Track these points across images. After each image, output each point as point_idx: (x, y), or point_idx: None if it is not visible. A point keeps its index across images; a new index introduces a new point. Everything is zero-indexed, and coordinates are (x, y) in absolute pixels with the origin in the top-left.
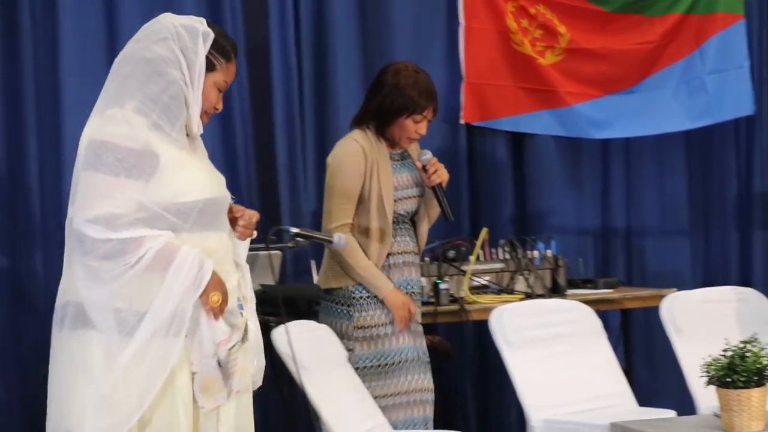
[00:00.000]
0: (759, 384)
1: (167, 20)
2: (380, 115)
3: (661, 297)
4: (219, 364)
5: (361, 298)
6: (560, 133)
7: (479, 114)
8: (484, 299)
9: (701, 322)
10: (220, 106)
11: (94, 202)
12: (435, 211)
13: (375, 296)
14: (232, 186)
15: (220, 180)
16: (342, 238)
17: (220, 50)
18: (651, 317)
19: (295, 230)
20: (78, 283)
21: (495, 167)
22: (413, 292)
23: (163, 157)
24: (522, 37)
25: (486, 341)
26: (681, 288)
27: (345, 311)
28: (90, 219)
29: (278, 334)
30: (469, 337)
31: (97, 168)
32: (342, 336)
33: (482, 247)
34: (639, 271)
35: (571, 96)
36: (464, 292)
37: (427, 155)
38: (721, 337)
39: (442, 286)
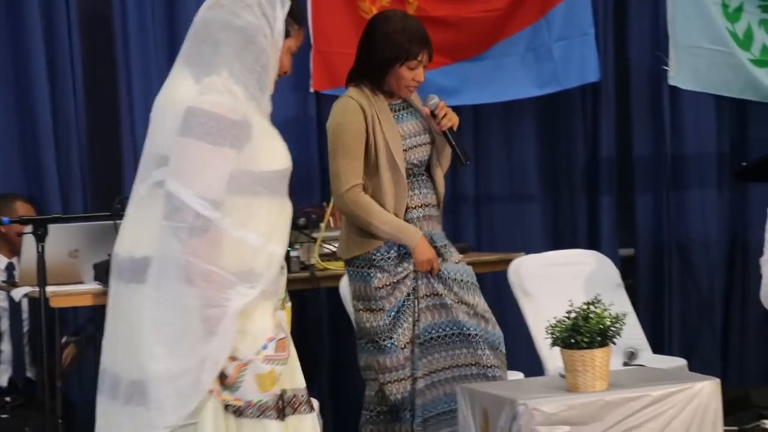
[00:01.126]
0: (602, 344)
1: None
2: (374, 67)
3: (510, 261)
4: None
5: (381, 259)
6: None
7: (329, 82)
8: (334, 266)
9: (548, 285)
10: (290, 71)
11: (201, 175)
12: (446, 158)
13: (397, 256)
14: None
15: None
16: None
17: (293, 16)
18: (500, 282)
19: None
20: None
21: None
22: (438, 246)
23: (255, 127)
24: (370, 5)
25: (337, 307)
26: (530, 253)
27: (367, 273)
28: (198, 194)
29: None
30: (320, 303)
31: (201, 137)
32: (366, 298)
33: (332, 215)
34: (489, 237)
35: None
36: (315, 259)
37: (434, 99)
38: (567, 300)
39: (293, 253)
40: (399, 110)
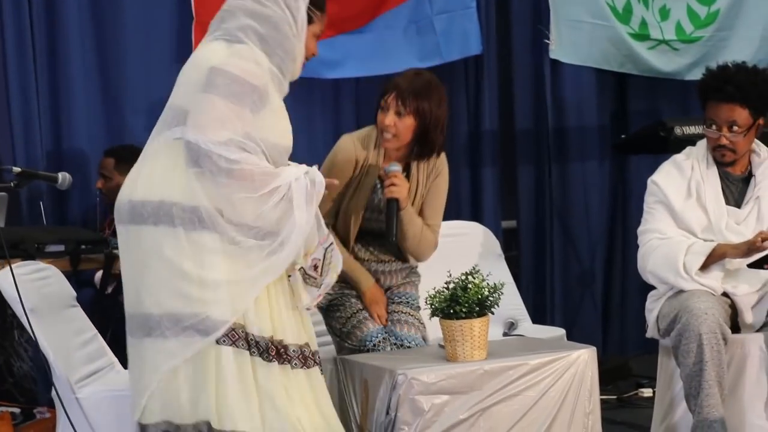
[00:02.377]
0: (480, 314)
1: None
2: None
3: None
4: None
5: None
6: (330, 75)
7: None
8: None
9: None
10: (317, 52)
11: (227, 124)
12: (412, 227)
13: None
14: None
15: None
16: (66, 177)
17: (315, 3)
18: None
19: (18, 169)
20: (198, 192)
21: None
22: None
23: (270, 99)
24: None
25: None
26: None
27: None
28: (223, 141)
29: (3, 276)
30: None
31: (225, 95)
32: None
33: None
34: None
35: None
36: None
37: (393, 167)
38: (447, 271)
39: None
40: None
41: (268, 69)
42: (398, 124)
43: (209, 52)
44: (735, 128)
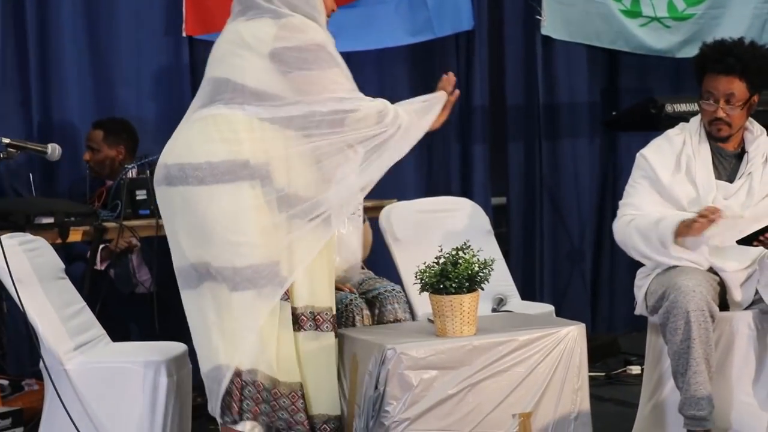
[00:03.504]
0: (470, 290)
1: None
2: None
3: (382, 208)
4: None
5: None
6: None
7: (202, 27)
8: None
9: (418, 232)
10: (336, 8)
11: (330, 86)
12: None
13: None
14: None
15: None
16: (56, 148)
17: None
18: (373, 228)
19: (6, 140)
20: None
21: None
22: None
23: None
24: None
25: None
26: (403, 200)
27: None
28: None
29: None
30: None
31: (310, 68)
32: None
33: None
34: None
35: None
36: None
37: None
38: (437, 246)
39: None
40: None
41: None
42: None
43: (258, 28)
44: (732, 101)
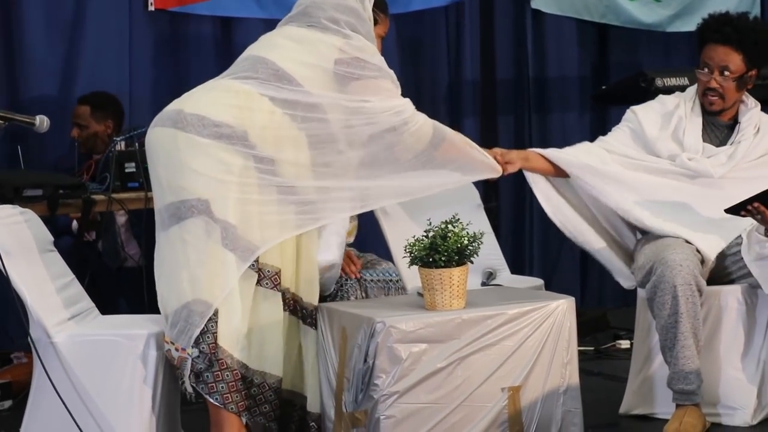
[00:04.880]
0: (460, 263)
1: None
2: None
3: None
4: None
5: None
6: (260, 15)
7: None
8: None
9: (407, 206)
10: (384, 35)
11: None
12: None
13: None
14: None
15: None
16: (44, 120)
17: (378, 6)
18: None
19: None
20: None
21: (199, 53)
22: None
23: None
24: None
25: None
26: None
27: None
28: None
29: None
30: None
31: (373, 77)
32: None
33: None
34: None
35: None
36: None
37: None
38: (426, 219)
39: None
40: None
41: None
42: None
43: (326, 38)
44: (726, 73)
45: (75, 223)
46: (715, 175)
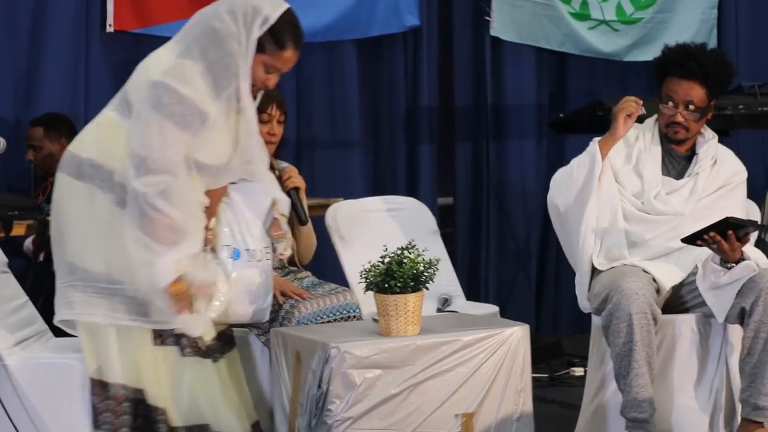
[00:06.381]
0: (415, 289)
1: None
2: None
3: (328, 207)
4: None
5: None
6: None
7: (137, 21)
8: None
9: (364, 231)
10: (270, 84)
11: (165, 150)
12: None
13: None
14: None
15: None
16: (1, 141)
17: (275, 36)
18: (319, 227)
19: None
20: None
21: None
22: None
23: (209, 119)
24: None
25: None
26: (350, 199)
27: None
28: (160, 166)
29: None
30: None
31: (169, 117)
32: None
33: None
34: (309, 183)
35: None
36: None
37: (284, 164)
38: (382, 245)
39: None
40: None
41: (205, 87)
42: (278, 131)
43: (158, 58)
44: (691, 107)
45: (27, 242)
46: (685, 213)
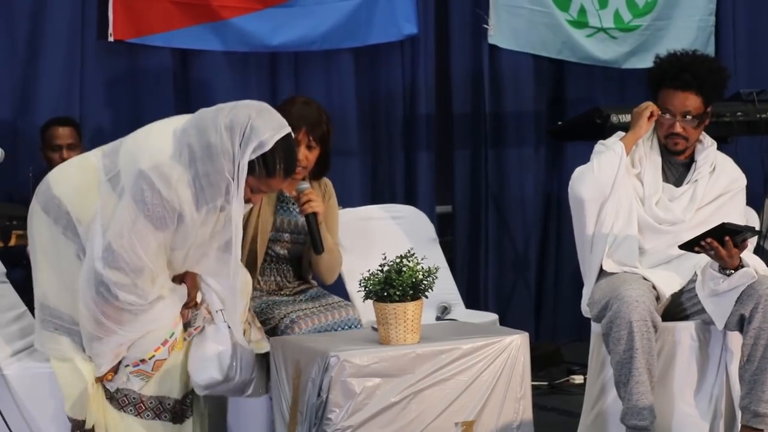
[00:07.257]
0: (414, 298)
1: (248, 112)
2: None
3: None
4: None
5: None
6: (219, 48)
7: (134, 30)
8: None
9: (363, 239)
10: (254, 202)
11: (136, 246)
12: (327, 243)
13: None
14: None
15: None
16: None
17: (266, 162)
18: None
19: None
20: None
21: (157, 84)
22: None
23: (185, 221)
24: None
25: None
26: (348, 207)
27: None
28: (128, 264)
29: None
30: None
31: (143, 212)
32: None
33: None
34: None
35: (226, 10)
36: None
37: (304, 185)
38: (381, 254)
39: None
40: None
41: (190, 196)
42: (309, 156)
43: (155, 142)
44: (688, 117)
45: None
46: (686, 220)
